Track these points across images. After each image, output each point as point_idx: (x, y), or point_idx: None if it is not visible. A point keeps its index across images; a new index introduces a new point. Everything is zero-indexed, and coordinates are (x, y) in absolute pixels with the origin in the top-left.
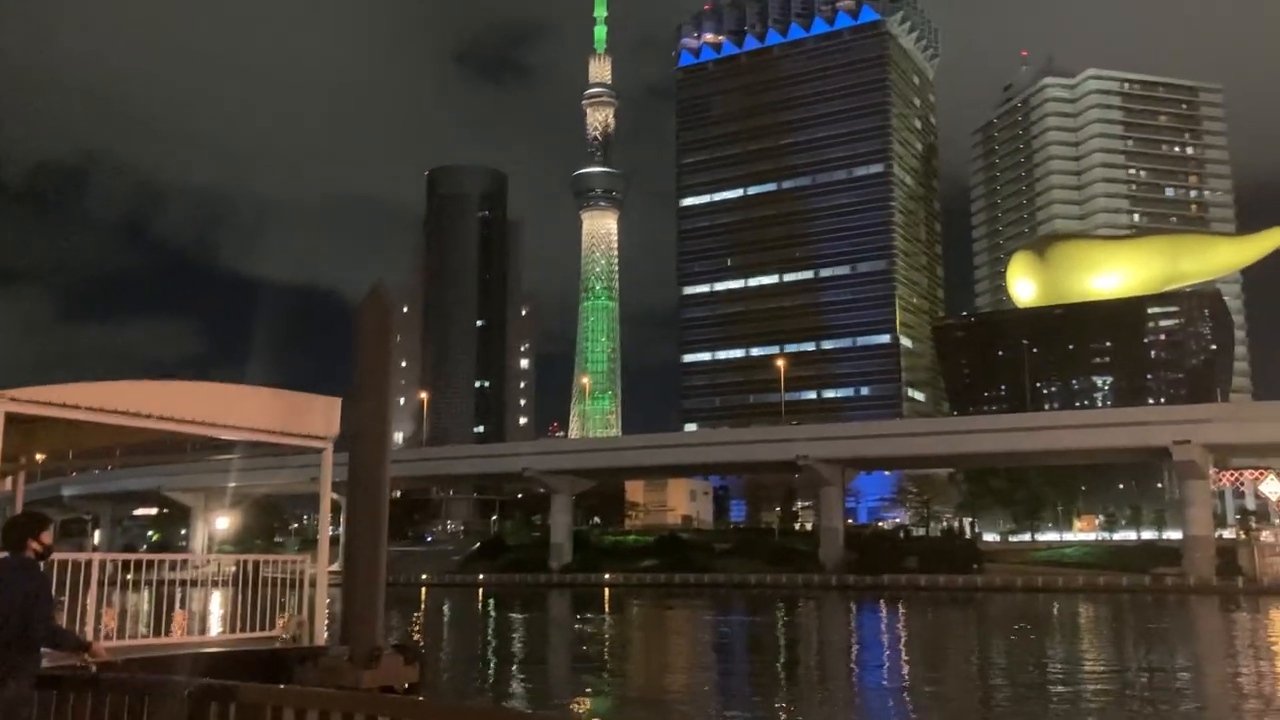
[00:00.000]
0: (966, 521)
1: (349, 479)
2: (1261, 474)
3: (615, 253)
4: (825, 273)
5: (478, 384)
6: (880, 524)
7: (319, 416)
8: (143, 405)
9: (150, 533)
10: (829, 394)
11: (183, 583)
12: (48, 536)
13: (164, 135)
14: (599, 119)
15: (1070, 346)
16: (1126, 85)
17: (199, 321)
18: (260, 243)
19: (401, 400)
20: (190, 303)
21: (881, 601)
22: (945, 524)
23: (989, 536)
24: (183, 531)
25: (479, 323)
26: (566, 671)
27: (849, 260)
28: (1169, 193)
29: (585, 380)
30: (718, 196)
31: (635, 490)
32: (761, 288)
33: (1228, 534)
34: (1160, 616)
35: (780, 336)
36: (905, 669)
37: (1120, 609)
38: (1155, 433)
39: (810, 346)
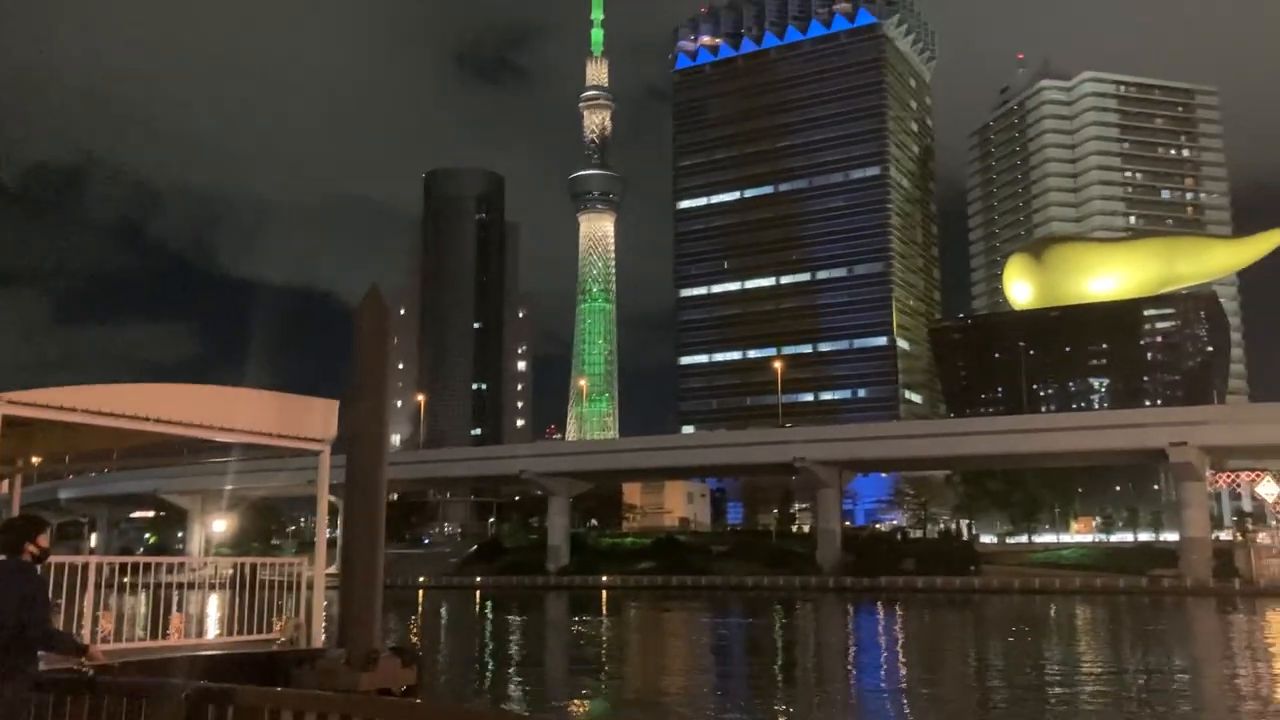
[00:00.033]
0: (964, 523)
1: (346, 481)
2: (1258, 476)
3: (612, 255)
4: (822, 275)
5: (475, 386)
6: (877, 526)
7: (316, 419)
8: (140, 408)
9: (147, 535)
10: (826, 396)
11: (180, 585)
12: (45, 539)
13: (161, 136)
14: (596, 121)
15: (1067, 349)
16: (1123, 88)
17: (196, 323)
18: (257, 244)
19: (399, 402)
20: (188, 305)
21: (879, 603)
22: (942, 526)
23: (986, 538)
24: (180, 534)
25: (476, 325)
26: (564, 674)
27: (846, 262)
28: (1165, 195)
29: (582, 382)
30: (715, 199)
31: (632, 492)
32: (758, 290)
33: (1224, 536)
34: (1157, 618)
35: (777, 339)
36: (903, 671)
37: (1117, 611)
38: (1152, 435)
39: (807, 349)
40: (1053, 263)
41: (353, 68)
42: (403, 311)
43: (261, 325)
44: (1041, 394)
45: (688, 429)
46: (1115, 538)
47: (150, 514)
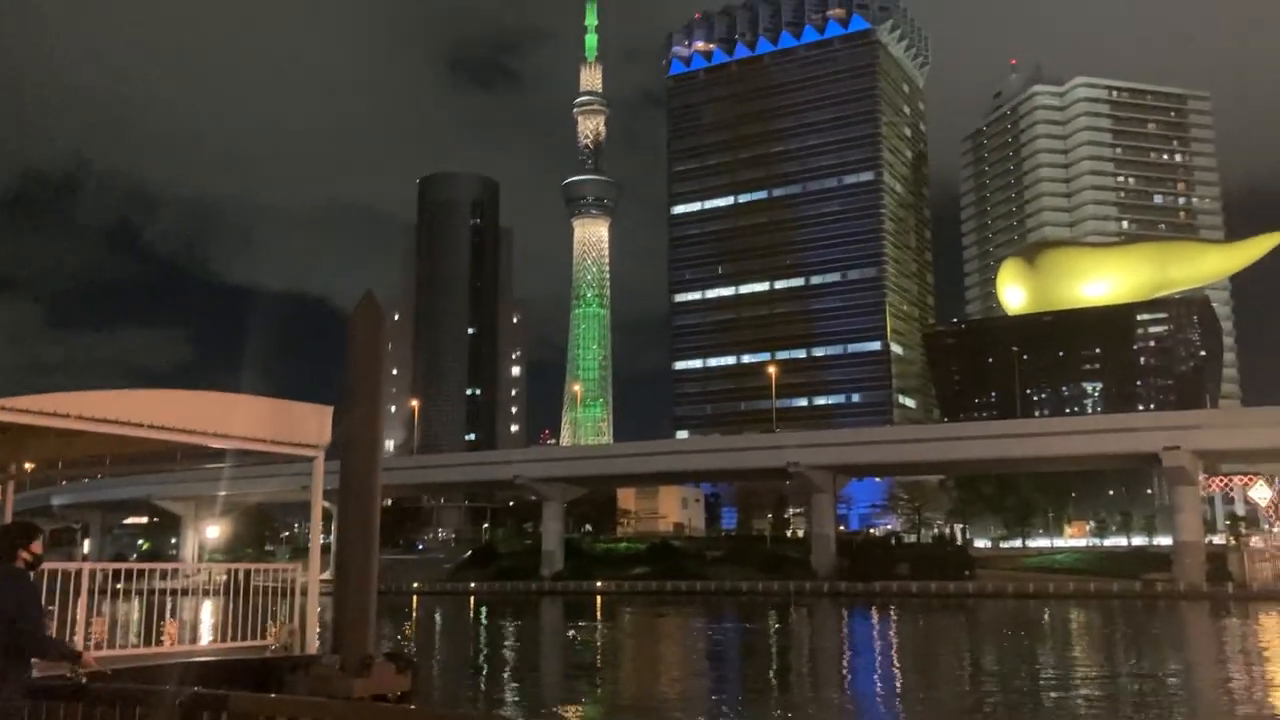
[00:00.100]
0: (958, 528)
1: (340, 487)
2: (1251, 480)
3: (606, 260)
4: (816, 280)
5: (469, 391)
6: (872, 531)
7: (310, 425)
8: (134, 414)
9: (140, 542)
10: (820, 401)
11: (173, 592)
12: (38, 546)
13: (157, 138)
14: (590, 127)
15: (1060, 353)
16: (1115, 93)
17: (190, 329)
18: (251, 250)
19: (393, 408)
20: (181, 310)
21: (873, 608)
22: (936, 530)
23: (980, 543)
24: (173, 540)
25: (470, 330)
26: (559, 679)
27: (839, 267)
28: (1158, 200)
29: (577, 387)
30: (709, 204)
31: (627, 498)
32: (752, 295)
33: (1218, 540)
34: (1151, 622)
35: (771, 343)
36: (897, 675)
37: (1111, 615)
38: (1145, 439)
39: (801, 353)
40: (1046, 267)
41: (347, 73)
42: (397, 316)
43: (255, 331)
44: (1035, 398)
45: (682, 434)
46: (1109, 542)
47: (144, 520)
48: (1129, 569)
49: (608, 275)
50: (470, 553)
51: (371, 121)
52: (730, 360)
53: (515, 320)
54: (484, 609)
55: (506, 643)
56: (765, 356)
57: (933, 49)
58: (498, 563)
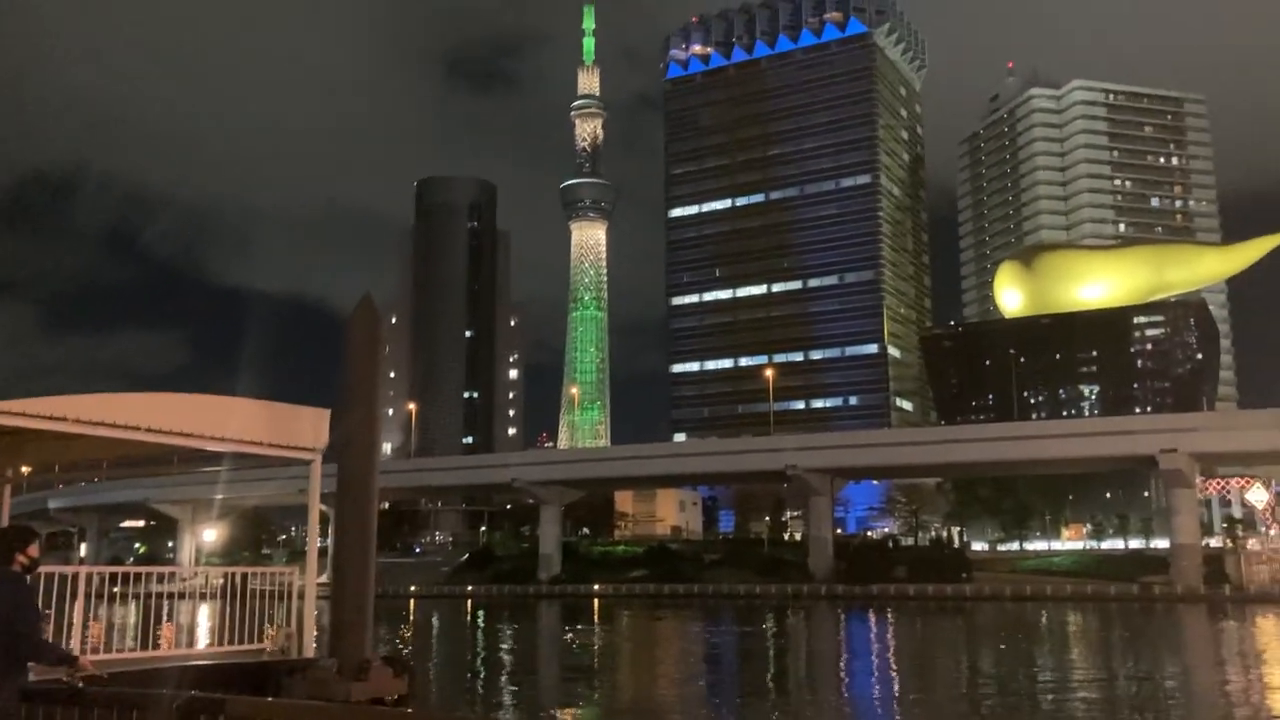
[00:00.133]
0: (955, 531)
1: (337, 490)
2: (1248, 482)
3: (604, 263)
4: (813, 283)
5: (466, 394)
6: (869, 533)
7: (307, 428)
8: (131, 418)
9: (137, 545)
10: (817, 404)
11: (170, 595)
12: (35, 549)
13: (154, 139)
14: (587, 130)
15: (1057, 356)
16: (1112, 96)
17: (188, 332)
18: (248, 253)
19: (390, 411)
20: (179, 313)
21: (871, 611)
22: (934, 533)
23: (977, 546)
24: (170, 544)
25: (468, 333)
26: (556, 682)
27: (837, 270)
28: (1154, 203)
29: (574, 390)
30: (706, 207)
31: (624, 501)
32: (750, 298)
33: (1215, 542)
34: (1148, 625)
35: (769, 346)
36: (894, 678)
37: (1108, 617)
38: (1142, 441)
39: (799, 356)
40: (1043, 270)
41: (347, 74)
42: (394, 319)
43: (252, 334)
44: (1032, 401)
45: (679, 437)
46: (1106, 544)
47: (140, 523)
48: (1126, 571)
49: (605, 278)
50: (468, 556)
51: (370, 123)
52: (728, 363)
53: (513, 323)
54: (481, 612)
55: (504, 646)
56: (763, 359)
57: (930, 52)
58: (495, 566)
